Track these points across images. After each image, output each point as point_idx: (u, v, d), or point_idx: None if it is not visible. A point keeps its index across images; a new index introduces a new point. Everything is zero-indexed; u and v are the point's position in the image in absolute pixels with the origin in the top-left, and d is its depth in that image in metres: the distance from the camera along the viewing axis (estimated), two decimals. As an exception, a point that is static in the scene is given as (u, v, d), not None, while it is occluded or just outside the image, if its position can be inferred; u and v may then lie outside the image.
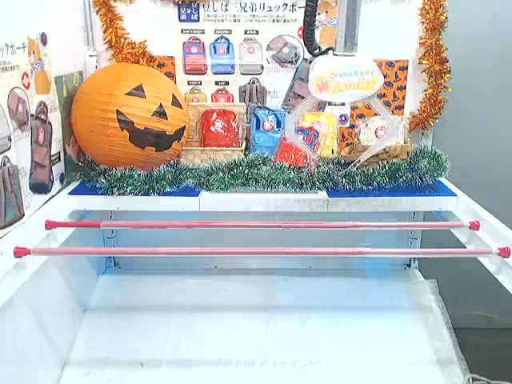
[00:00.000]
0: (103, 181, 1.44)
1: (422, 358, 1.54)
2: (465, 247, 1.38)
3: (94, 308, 1.75)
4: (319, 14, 1.67)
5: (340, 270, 1.92)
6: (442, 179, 1.59)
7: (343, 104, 1.76)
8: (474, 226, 1.32)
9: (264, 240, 1.78)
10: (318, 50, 1.20)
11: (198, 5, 1.67)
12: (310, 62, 1.71)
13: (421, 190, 1.50)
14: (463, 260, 1.53)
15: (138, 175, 1.46)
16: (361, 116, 1.77)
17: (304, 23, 1.14)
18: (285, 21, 1.69)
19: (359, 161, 1.39)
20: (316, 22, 1.14)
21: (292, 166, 1.54)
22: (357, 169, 1.49)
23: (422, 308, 1.76)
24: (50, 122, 1.37)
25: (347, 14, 1.10)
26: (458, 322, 1.69)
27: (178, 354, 1.55)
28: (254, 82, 1.76)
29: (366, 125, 1.59)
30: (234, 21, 1.69)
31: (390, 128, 1.28)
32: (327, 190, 1.49)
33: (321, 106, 1.76)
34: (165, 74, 1.70)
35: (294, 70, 1.74)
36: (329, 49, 1.18)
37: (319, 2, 1.10)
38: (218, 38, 1.71)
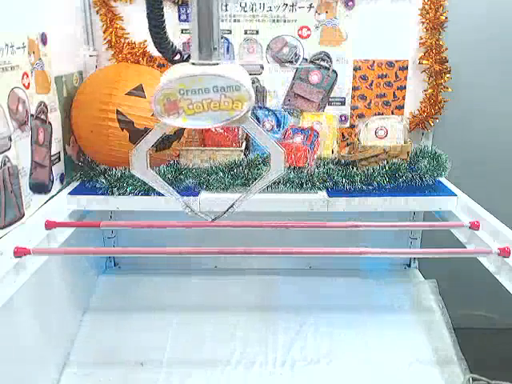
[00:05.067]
0: (103, 181, 1.44)
1: (422, 358, 1.54)
2: (465, 247, 1.38)
3: (94, 308, 1.75)
4: (319, 14, 1.67)
5: (340, 270, 1.92)
6: (442, 179, 1.59)
7: (343, 104, 1.76)
8: (474, 226, 1.32)
9: (264, 240, 1.78)
10: (178, 55, 0.93)
11: (198, 5, 1.66)
12: (311, 61, 1.73)
13: (421, 190, 1.50)
14: (463, 260, 1.53)
15: (138, 175, 1.46)
16: (361, 116, 1.77)
17: (149, 28, 0.90)
18: (285, 21, 1.69)
19: None
20: (165, 22, 0.92)
21: (292, 166, 1.54)
22: (357, 169, 1.49)
23: (422, 308, 1.76)
24: (49, 122, 1.37)
25: (198, 9, 0.82)
26: (457, 322, 1.69)
27: (178, 353, 1.55)
28: (253, 82, 1.75)
29: (366, 125, 1.59)
30: (234, 21, 1.69)
31: (273, 161, 0.90)
32: (327, 189, 1.49)
33: (321, 105, 1.76)
34: (165, 73, 1.70)
35: (294, 70, 1.74)
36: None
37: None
38: (218, 38, 1.71)
